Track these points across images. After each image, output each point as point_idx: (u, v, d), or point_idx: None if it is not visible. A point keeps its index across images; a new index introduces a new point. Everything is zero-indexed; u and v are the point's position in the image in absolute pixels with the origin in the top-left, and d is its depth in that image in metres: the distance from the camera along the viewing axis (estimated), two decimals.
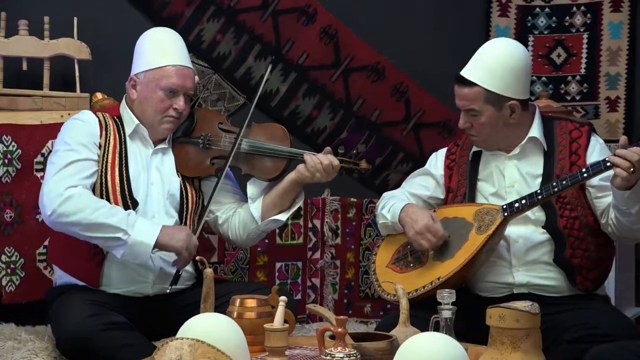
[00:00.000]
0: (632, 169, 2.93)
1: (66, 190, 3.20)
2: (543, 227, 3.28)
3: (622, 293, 4.21)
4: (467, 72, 3.30)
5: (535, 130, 3.36)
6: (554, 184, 3.16)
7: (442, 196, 3.54)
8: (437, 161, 3.59)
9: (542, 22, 4.74)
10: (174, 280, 3.33)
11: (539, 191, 3.19)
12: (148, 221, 3.29)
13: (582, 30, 4.70)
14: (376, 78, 4.67)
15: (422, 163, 3.76)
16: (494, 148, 3.40)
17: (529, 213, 3.28)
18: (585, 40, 4.69)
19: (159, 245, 3.24)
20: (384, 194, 3.63)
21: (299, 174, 3.44)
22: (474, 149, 3.46)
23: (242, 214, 3.54)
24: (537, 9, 4.75)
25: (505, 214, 3.22)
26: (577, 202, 3.27)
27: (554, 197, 3.23)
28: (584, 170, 3.11)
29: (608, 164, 3.01)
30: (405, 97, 4.70)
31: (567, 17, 4.71)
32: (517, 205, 3.21)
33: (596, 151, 3.31)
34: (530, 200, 3.20)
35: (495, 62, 3.30)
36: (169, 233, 3.26)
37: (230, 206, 3.57)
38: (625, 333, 3.00)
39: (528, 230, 3.30)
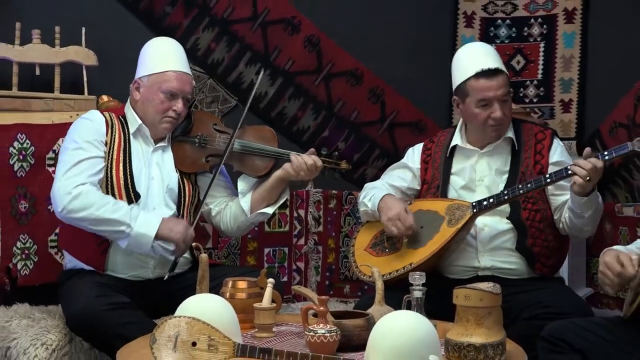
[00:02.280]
0: (588, 178, 2.96)
1: (75, 189, 3.19)
2: (507, 218, 3.29)
3: (574, 275, 4.22)
4: (492, 63, 3.27)
5: (510, 131, 3.38)
6: (520, 186, 3.18)
7: (418, 187, 3.54)
8: (414, 155, 3.58)
9: (503, 32, 4.74)
10: (172, 268, 3.33)
11: (505, 192, 3.20)
12: (149, 214, 3.28)
13: (539, 39, 4.70)
14: (355, 82, 4.66)
15: (396, 159, 3.76)
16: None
17: None
18: (541, 49, 4.69)
19: (159, 237, 3.23)
20: (366, 185, 3.62)
21: (284, 172, 3.43)
22: (452, 143, 3.45)
23: (232, 207, 3.53)
24: (499, 21, 4.75)
25: (474, 210, 3.22)
26: (539, 197, 3.28)
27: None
28: (547, 176, 3.14)
29: (569, 171, 3.03)
30: (380, 99, 4.69)
31: (526, 28, 4.71)
32: (485, 203, 3.21)
33: (557, 152, 3.34)
34: (498, 200, 3.20)
35: (497, 57, 3.34)
36: (168, 226, 3.25)
37: (223, 200, 3.55)
38: (577, 311, 3.01)
39: (494, 220, 3.30)
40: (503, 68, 3.31)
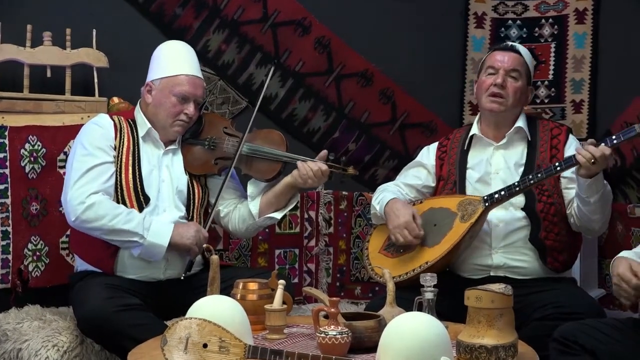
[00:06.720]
0: (592, 160, 2.98)
1: (88, 198, 3.19)
2: (522, 209, 3.28)
3: (586, 276, 4.22)
4: (515, 45, 3.46)
5: (521, 122, 3.40)
6: (530, 176, 3.18)
7: (433, 184, 3.54)
8: (429, 153, 3.60)
9: (514, 32, 4.73)
10: (188, 268, 3.34)
11: (516, 183, 3.21)
12: (161, 223, 3.28)
13: (550, 40, 4.69)
14: (365, 83, 4.65)
15: (407, 160, 3.76)
16: (496, 125, 3.42)
17: None
18: (553, 49, 4.68)
19: (172, 246, 3.24)
20: (379, 187, 3.63)
21: (293, 179, 3.44)
22: (471, 133, 3.47)
23: (241, 209, 3.53)
24: (510, 21, 4.74)
25: (486, 204, 3.23)
26: (554, 190, 3.29)
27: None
28: (557, 164, 3.14)
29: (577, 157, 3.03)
30: (391, 100, 4.68)
31: (537, 29, 4.70)
32: (497, 196, 3.22)
33: (572, 147, 3.35)
34: (509, 192, 3.21)
35: (527, 54, 3.45)
36: (179, 233, 3.26)
37: (232, 202, 3.56)
38: (589, 311, 3.00)
39: (508, 214, 3.30)
40: (522, 52, 3.43)
